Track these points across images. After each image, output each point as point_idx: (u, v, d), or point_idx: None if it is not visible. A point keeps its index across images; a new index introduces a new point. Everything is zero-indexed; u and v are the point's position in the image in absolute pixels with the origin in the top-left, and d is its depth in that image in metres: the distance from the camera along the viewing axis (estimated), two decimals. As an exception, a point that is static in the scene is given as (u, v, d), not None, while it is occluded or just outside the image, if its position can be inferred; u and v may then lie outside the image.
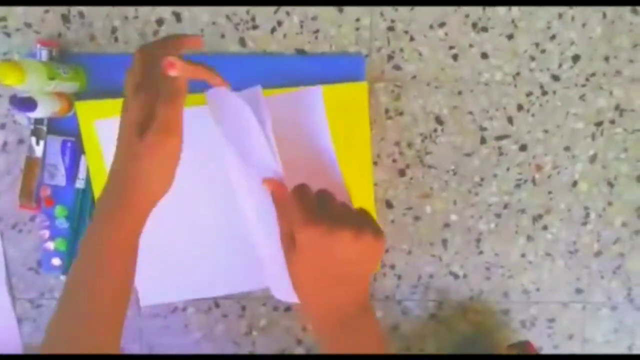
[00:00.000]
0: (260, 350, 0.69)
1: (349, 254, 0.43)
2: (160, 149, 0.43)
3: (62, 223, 0.64)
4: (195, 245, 0.64)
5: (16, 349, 0.67)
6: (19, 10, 0.61)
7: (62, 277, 0.65)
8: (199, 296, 0.67)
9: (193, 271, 0.65)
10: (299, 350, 0.70)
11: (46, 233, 0.64)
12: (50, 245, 0.64)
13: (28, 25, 0.61)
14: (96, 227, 0.44)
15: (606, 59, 0.64)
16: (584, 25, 0.63)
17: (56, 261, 0.65)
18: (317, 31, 0.62)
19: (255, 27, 0.62)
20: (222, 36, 0.62)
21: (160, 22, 0.62)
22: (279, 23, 0.62)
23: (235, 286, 0.66)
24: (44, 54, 0.59)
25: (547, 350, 0.70)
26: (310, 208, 0.43)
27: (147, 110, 0.43)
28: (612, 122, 0.65)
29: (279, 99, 0.57)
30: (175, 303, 0.67)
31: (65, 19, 0.61)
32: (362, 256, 0.44)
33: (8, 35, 0.61)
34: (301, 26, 0.62)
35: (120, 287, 0.45)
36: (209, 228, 0.64)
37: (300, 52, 0.63)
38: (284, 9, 0.62)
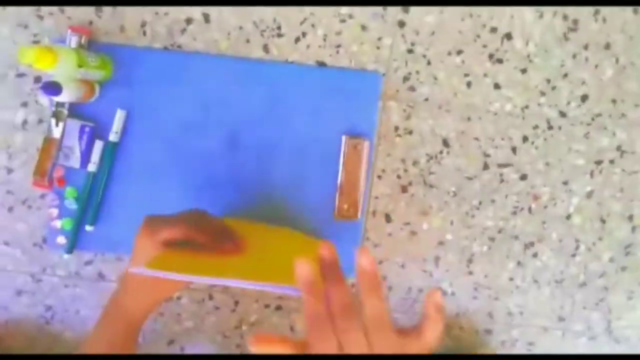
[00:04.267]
0: (247, 343, 0.71)
1: None
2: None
3: (70, 203, 0.66)
4: None
5: None
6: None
7: (66, 256, 0.67)
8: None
9: None
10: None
11: (55, 211, 0.66)
12: (57, 223, 0.66)
13: (61, 10, 0.63)
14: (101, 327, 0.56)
15: (613, 101, 0.66)
16: (596, 66, 0.65)
17: (61, 239, 0.67)
18: (339, 46, 0.64)
19: (280, 36, 0.64)
20: (247, 41, 0.64)
21: (189, 21, 0.63)
22: (304, 34, 0.64)
23: None
24: (74, 41, 0.60)
25: (523, 372, 0.73)
26: None
27: None
28: (612, 162, 0.68)
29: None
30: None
31: (98, 8, 0.63)
32: None
33: (40, 17, 0.63)
34: (324, 39, 0.64)
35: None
36: None
37: (321, 64, 0.64)
38: (310, 21, 0.63)
